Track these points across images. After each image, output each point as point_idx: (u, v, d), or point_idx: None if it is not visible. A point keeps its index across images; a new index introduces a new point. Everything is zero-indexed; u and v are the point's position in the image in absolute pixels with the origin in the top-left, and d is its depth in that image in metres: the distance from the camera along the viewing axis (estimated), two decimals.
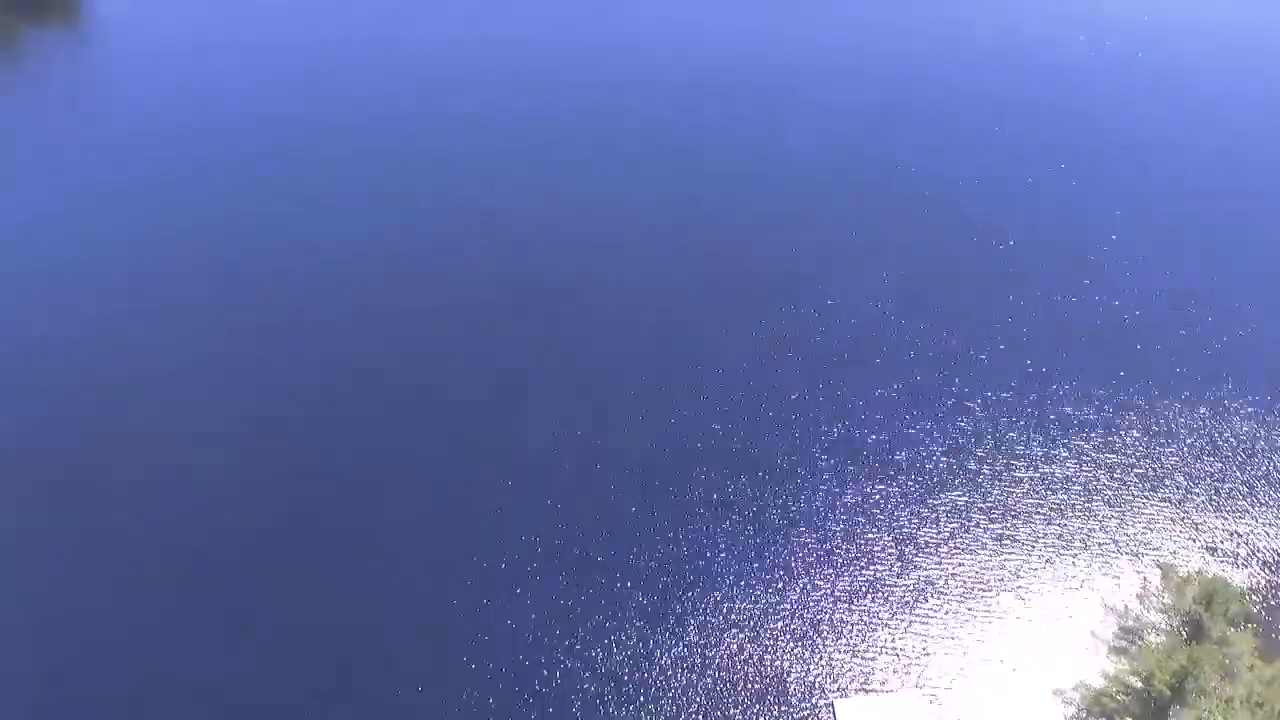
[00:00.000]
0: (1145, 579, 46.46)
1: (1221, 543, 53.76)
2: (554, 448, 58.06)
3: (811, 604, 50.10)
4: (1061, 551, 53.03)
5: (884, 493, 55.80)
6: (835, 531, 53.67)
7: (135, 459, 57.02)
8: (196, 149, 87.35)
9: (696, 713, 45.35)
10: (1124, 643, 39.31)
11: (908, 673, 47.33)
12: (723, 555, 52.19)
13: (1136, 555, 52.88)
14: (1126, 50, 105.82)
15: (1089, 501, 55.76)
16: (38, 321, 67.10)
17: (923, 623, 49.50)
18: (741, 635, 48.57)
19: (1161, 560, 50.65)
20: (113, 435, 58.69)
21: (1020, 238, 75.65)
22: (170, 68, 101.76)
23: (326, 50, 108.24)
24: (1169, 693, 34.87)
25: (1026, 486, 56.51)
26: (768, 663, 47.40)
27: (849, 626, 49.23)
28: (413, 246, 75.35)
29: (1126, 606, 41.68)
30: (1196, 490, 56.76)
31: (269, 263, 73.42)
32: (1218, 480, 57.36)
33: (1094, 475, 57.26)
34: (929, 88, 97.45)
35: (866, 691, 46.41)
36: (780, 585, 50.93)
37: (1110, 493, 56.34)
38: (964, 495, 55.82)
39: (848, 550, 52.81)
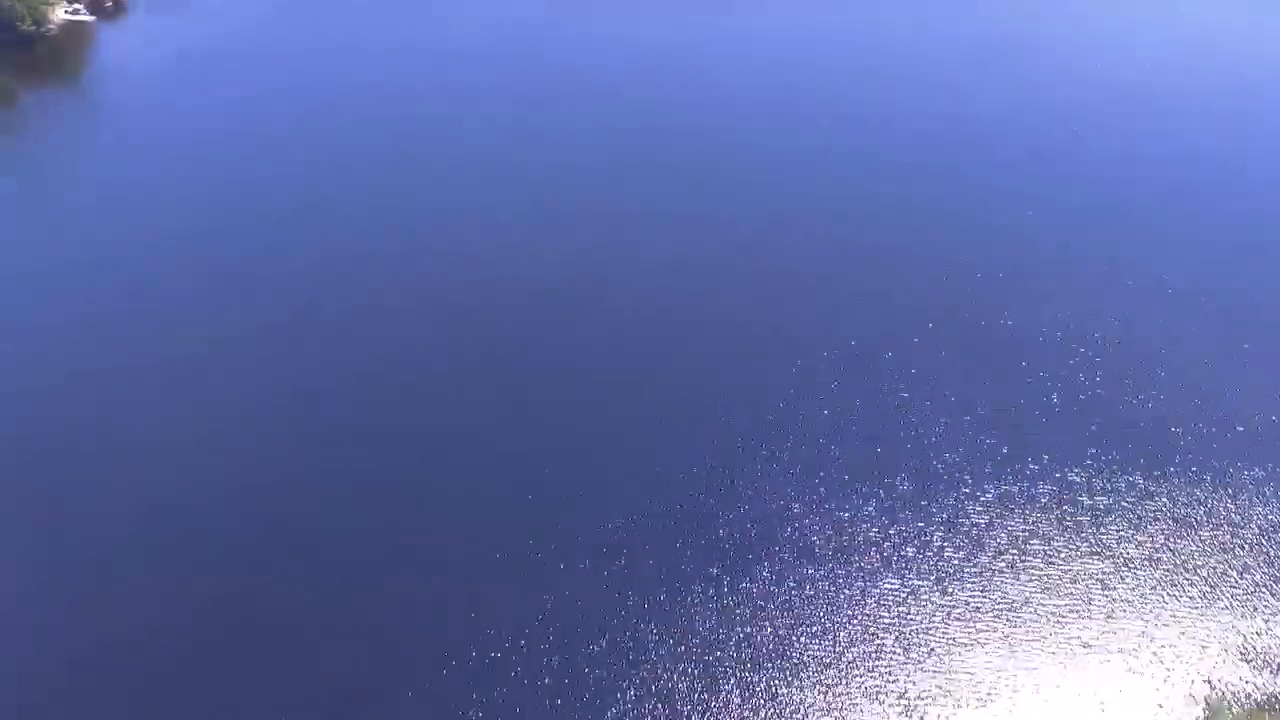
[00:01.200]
0: (1186, 706, 42.79)
1: (1258, 648, 49.90)
2: (554, 468, 58.13)
3: (810, 712, 46.28)
4: (1083, 661, 49.16)
5: (891, 592, 52.09)
6: (839, 633, 49.93)
7: (140, 465, 57.97)
8: (200, 163, 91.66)
9: None
10: None
11: None
12: (715, 663, 48.48)
13: (1163, 664, 49.02)
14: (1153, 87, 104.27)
15: (1111, 602, 52.01)
16: (40, 342, 68.22)
17: None
18: None
19: (1207, 692, 47.08)
20: (117, 442, 59.44)
21: (1031, 314, 72.74)
22: (174, 121, 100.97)
23: (334, 71, 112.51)
24: None
25: (1044, 584, 52.81)
26: None
27: None
28: (419, 261, 77.29)
29: None
30: (1225, 589, 53.05)
31: (273, 282, 74.50)
32: (1247, 577, 53.68)
33: (1116, 572, 53.59)
34: (946, 123, 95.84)
35: None
36: (776, 688, 47.15)
37: (1133, 591, 52.65)
38: (977, 594, 52.11)
39: (851, 651, 49.06)
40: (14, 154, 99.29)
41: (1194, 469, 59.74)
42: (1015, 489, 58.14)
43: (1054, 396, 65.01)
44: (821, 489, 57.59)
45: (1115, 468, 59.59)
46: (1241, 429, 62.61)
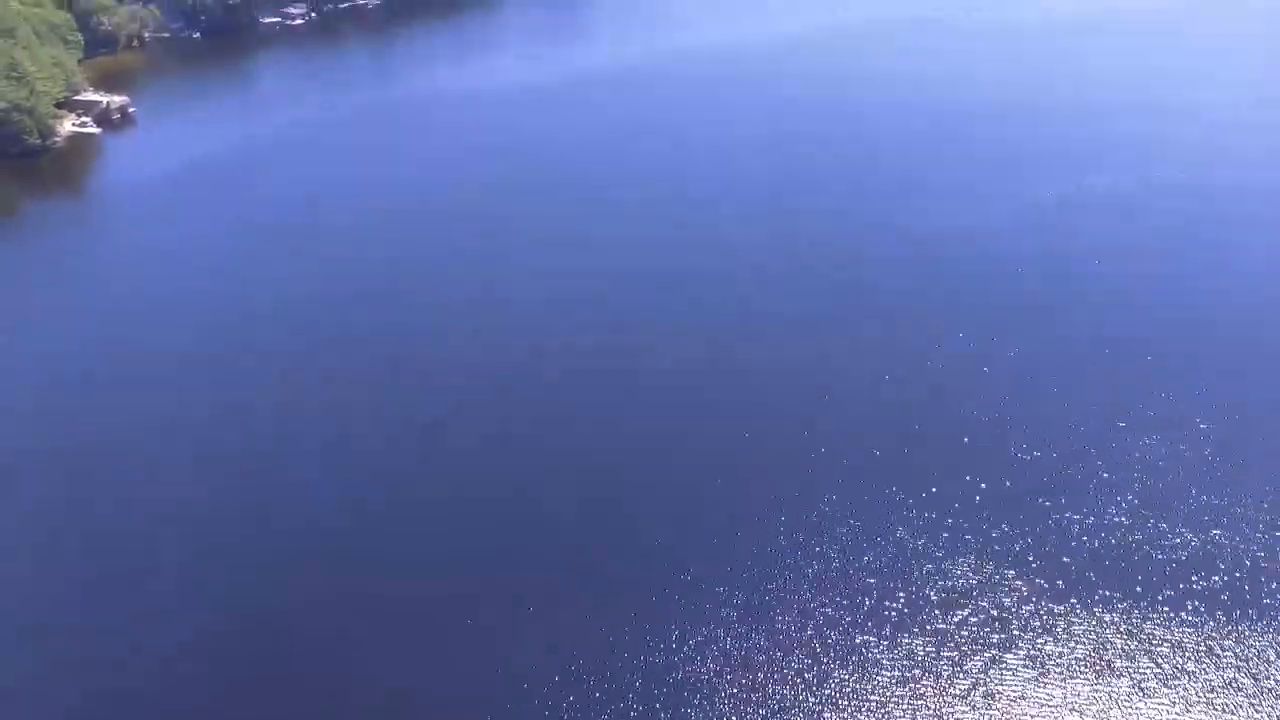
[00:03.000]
0: None
1: None
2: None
3: None
4: None
5: None
6: None
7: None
8: (204, 267, 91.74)
9: None
10: None
11: None
12: None
13: None
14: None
15: None
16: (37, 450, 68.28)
17: None
18: None
19: None
20: None
21: (1057, 454, 69.11)
22: (176, 237, 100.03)
23: (342, 176, 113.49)
24: None
25: None
26: None
27: None
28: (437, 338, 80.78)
29: None
30: None
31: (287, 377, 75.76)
32: None
33: None
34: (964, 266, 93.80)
35: None
36: None
37: None
38: None
39: None
40: (16, 263, 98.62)
41: (1242, 628, 55.04)
42: (1050, 651, 53.42)
43: (1084, 541, 60.72)
44: (833, 656, 52.90)
45: (1155, 626, 54.89)
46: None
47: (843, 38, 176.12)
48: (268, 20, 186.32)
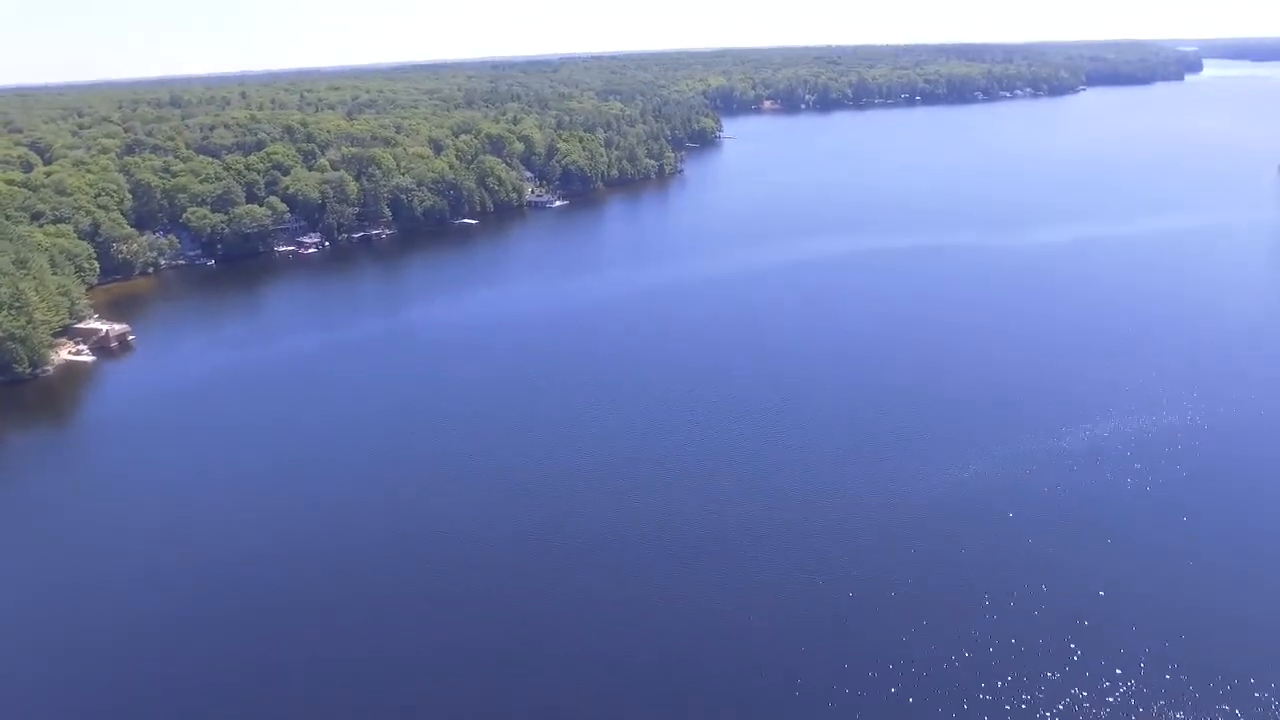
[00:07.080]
0: None
1: None
2: None
3: None
4: None
5: None
6: None
7: None
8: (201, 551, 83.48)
9: None
10: None
11: None
12: None
13: None
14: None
15: None
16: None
17: None
18: None
19: None
20: None
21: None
22: (144, 471, 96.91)
23: (340, 403, 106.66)
24: None
25: None
26: None
27: None
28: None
29: None
30: None
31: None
32: None
33: None
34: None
35: None
36: None
37: None
38: None
39: None
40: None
41: None
42: None
43: None
44: None
45: None
46: None
47: (834, 269, 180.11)
48: (282, 249, 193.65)
